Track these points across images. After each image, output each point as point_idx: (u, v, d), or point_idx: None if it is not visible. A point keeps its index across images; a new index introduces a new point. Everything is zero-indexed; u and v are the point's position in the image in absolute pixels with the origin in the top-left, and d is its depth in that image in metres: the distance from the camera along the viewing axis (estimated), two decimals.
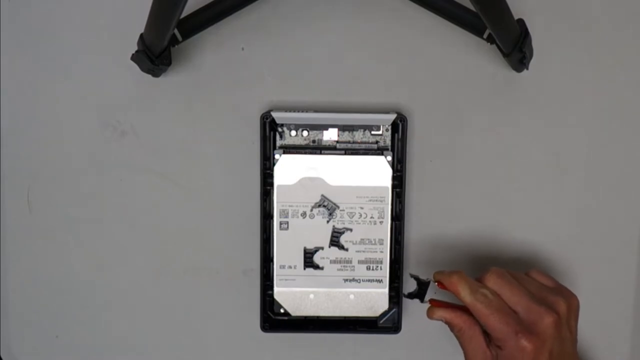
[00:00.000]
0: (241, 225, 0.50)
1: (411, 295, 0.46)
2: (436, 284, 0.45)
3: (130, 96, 0.50)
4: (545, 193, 0.51)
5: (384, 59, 0.50)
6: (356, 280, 0.48)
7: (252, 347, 0.51)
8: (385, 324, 0.49)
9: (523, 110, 0.50)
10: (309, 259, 0.48)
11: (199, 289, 0.51)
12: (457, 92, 0.50)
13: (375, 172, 0.47)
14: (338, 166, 0.47)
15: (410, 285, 0.48)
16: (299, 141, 0.48)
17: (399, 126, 0.48)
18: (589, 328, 0.51)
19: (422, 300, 0.46)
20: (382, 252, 0.48)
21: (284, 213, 0.47)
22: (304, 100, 0.49)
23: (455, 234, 0.51)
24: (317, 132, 0.48)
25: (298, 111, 0.48)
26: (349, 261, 0.48)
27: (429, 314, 0.45)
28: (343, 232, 0.47)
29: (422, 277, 0.46)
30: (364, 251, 0.48)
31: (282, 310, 0.48)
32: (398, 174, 0.48)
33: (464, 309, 0.44)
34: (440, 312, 0.45)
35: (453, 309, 0.45)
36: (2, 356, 0.51)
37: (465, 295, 0.43)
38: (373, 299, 0.48)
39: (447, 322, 0.45)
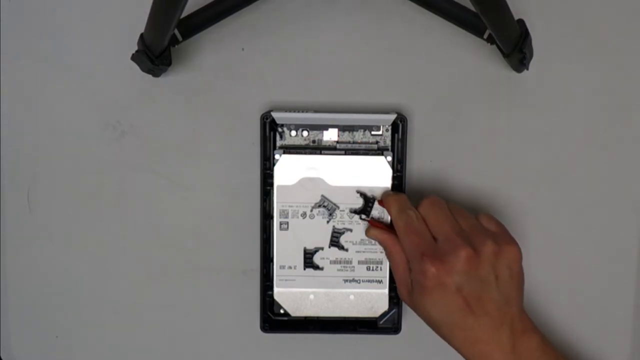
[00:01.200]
0: (241, 225, 0.50)
1: (355, 211, 0.47)
2: (377, 201, 0.47)
3: (130, 96, 0.50)
4: (545, 193, 0.51)
5: (384, 59, 0.50)
6: (356, 281, 0.48)
7: (252, 347, 0.51)
8: (385, 325, 0.49)
9: (523, 110, 0.50)
10: (309, 259, 0.48)
11: (199, 289, 0.51)
12: (457, 92, 0.50)
13: (376, 172, 0.47)
14: (338, 166, 0.47)
15: None
16: (299, 141, 0.48)
17: (399, 126, 0.48)
18: (589, 328, 0.51)
19: (366, 216, 0.47)
20: (382, 252, 0.47)
21: (284, 213, 0.47)
22: (304, 100, 0.49)
23: None
24: (317, 132, 0.48)
25: (298, 111, 0.48)
26: (349, 261, 0.48)
27: (366, 232, 0.47)
28: (343, 233, 0.47)
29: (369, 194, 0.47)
30: (364, 251, 0.48)
31: (282, 311, 0.48)
32: (398, 174, 0.48)
33: (395, 232, 0.45)
34: (374, 231, 0.46)
35: (386, 230, 0.46)
36: (2, 356, 0.51)
37: (394, 212, 0.45)
38: (373, 299, 0.48)
39: (379, 242, 0.46)
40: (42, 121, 0.50)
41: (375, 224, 0.47)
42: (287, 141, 0.48)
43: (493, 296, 0.42)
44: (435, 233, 0.43)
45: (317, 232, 0.47)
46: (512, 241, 0.44)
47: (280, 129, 0.48)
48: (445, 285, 0.41)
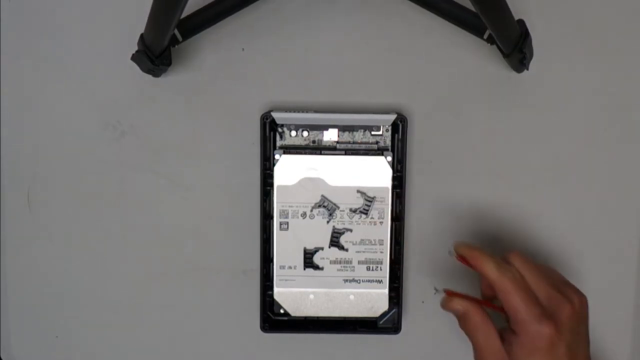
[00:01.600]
0: (241, 225, 0.50)
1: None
2: (455, 257, 0.42)
3: (130, 96, 0.50)
4: (545, 193, 0.51)
5: (384, 59, 0.50)
6: (356, 281, 0.48)
7: (252, 347, 0.51)
8: (385, 325, 0.49)
9: (523, 110, 0.50)
10: (308, 259, 0.48)
11: (199, 289, 0.51)
12: (457, 93, 0.50)
13: (376, 172, 0.47)
14: (338, 166, 0.47)
15: (408, 284, 0.48)
16: (299, 141, 0.48)
17: (399, 126, 0.48)
18: (589, 328, 0.51)
19: (366, 216, 0.46)
20: (382, 252, 0.48)
21: (284, 213, 0.47)
22: (304, 100, 0.49)
23: (455, 235, 0.51)
24: (317, 132, 0.48)
25: (298, 111, 0.48)
26: (349, 261, 0.48)
27: (445, 304, 0.42)
28: (343, 233, 0.47)
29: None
30: (363, 252, 0.48)
31: (282, 311, 0.48)
32: (398, 174, 0.48)
33: (480, 302, 0.42)
34: (460, 302, 0.42)
35: (471, 301, 0.42)
36: (2, 356, 0.51)
37: (491, 269, 0.40)
38: (373, 299, 0.48)
39: (462, 315, 0.42)
40: (42, 121, 0.50)
41: (454, 294, 0.42)
42: (287, 141, 0.48)
43: (583, 350, 0.41)
44: (536, 290, 0.41)
45: (317, 232, 0.47)
46: (579, 290, 0.43)
47: (280, 129, 0.48)
48: (558, 347, 0.40)
